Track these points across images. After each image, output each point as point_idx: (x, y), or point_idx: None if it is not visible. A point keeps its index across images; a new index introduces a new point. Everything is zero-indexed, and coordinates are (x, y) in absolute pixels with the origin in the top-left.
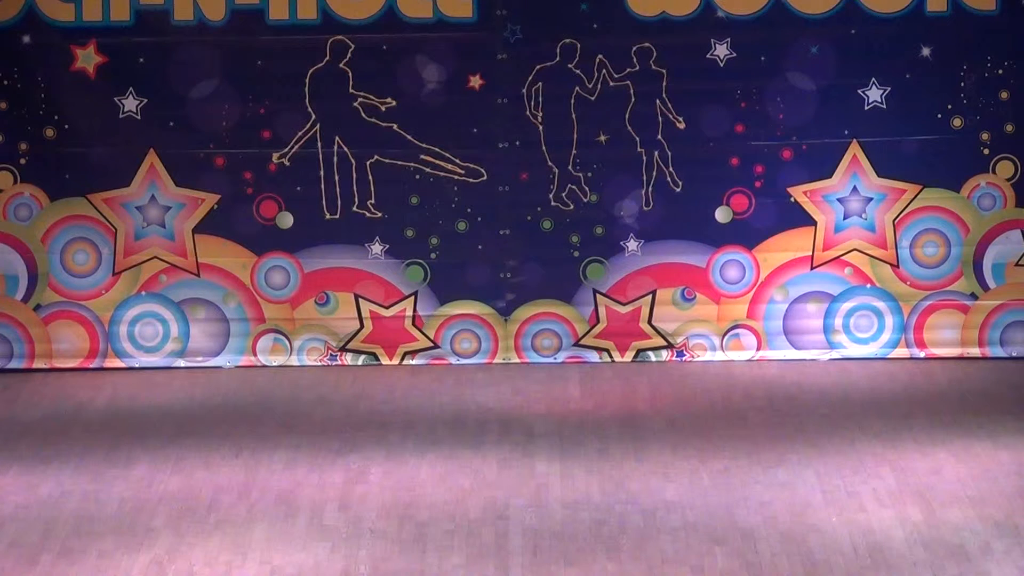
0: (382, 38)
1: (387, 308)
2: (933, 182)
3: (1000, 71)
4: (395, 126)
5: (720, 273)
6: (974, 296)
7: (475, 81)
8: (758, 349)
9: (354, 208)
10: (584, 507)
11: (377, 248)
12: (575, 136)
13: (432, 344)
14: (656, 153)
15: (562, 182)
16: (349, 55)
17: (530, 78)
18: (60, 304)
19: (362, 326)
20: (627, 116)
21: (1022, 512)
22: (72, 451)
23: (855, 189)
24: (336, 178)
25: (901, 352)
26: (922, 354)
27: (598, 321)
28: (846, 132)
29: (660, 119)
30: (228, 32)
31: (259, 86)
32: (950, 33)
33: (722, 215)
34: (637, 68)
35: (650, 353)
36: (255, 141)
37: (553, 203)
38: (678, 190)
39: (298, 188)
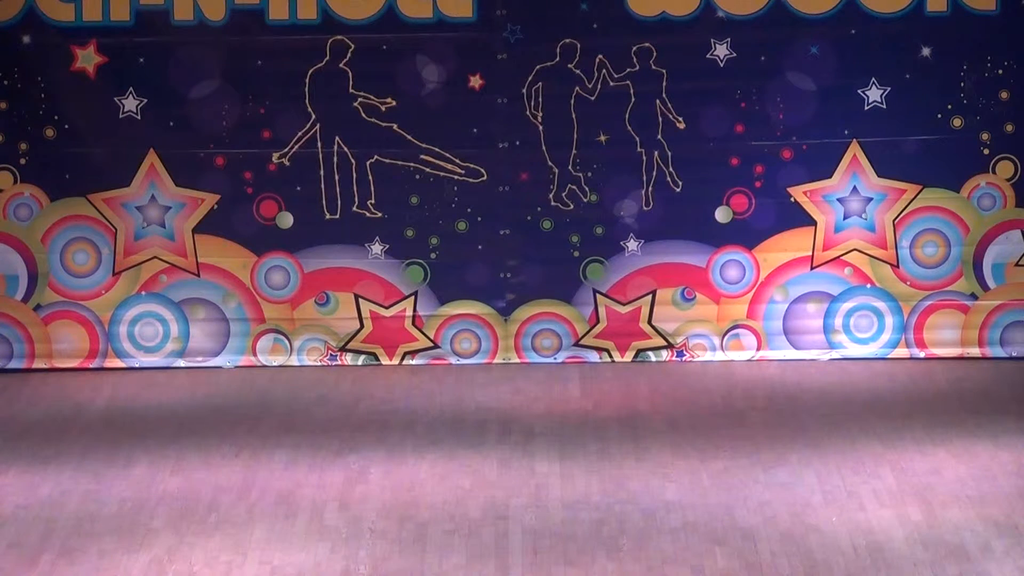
0: (382, 38)
1: (387, 308)
2: (933, 182)
3: (1000, 71)
4: (395, 126)
5: (720, 273)
6: (974, 296)
7: (475, 81)
8: (758, 349)
9: (354, 208)
10: (584, 507)
11: (377, 248)
12: (575, 136)
13: (432, 344)
14: (656, 153)
15: (562, 182)
16: (349, 55)
17: (530, 78)
18: (60, 304)
19: (362, 326)
20: (627, 116)
21: (1022, 512)
22: (72, 451)
23: (855, 189)
24: (336, 178)
25: (901, 352)
26: (922, 354)
27: (598, 321)
28: (846, 132)
29: (660, 119)
30: (228, 32)
31: (259, 86)
32: (950, 33)
33: (722, 215)
34: (637, 68)
35: (650, 353)
36: (255, 141)
37: (553, 203)
38: (678, 190)
39: (298, 188)
